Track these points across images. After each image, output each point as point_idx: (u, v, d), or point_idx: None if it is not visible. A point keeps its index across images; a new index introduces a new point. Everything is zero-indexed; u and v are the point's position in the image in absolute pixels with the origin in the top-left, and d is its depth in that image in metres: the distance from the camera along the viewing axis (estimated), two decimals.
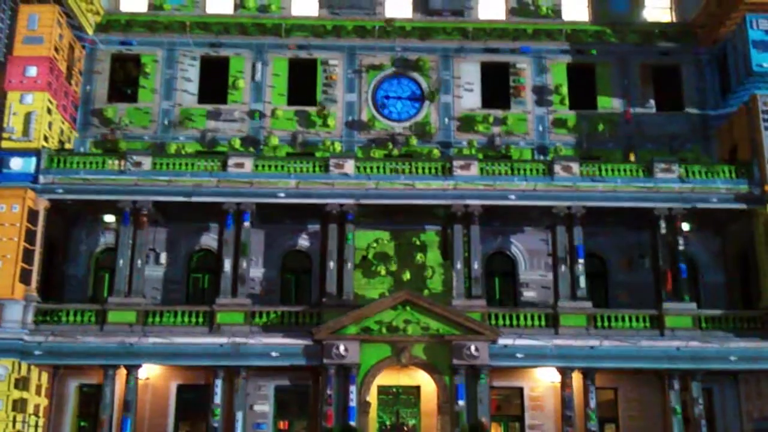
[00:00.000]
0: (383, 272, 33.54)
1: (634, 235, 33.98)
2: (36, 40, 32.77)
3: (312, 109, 35.76)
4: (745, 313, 31.79)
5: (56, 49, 33.21)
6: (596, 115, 36.05)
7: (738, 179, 32.44)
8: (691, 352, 30.70)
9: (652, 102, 36.32)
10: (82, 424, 32.38)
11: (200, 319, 31.09)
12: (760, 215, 32.03)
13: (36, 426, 30.76)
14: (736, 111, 34.13)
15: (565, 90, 36.26)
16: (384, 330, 30.37)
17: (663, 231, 32.00)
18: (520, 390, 32.63)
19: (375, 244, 33.93)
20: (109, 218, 33.59)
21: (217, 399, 30.32)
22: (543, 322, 31.25)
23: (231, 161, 32.44)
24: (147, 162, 32.28)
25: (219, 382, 30.48)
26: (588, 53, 36.50)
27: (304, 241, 34.35)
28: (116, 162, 32.30)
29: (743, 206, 32.24)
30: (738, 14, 34.11)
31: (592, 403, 30.50)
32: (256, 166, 32.45)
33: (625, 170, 32.68)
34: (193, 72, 36.21)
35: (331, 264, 31.61)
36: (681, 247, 31.83)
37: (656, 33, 36.79)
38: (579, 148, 35.25)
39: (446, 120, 35.87)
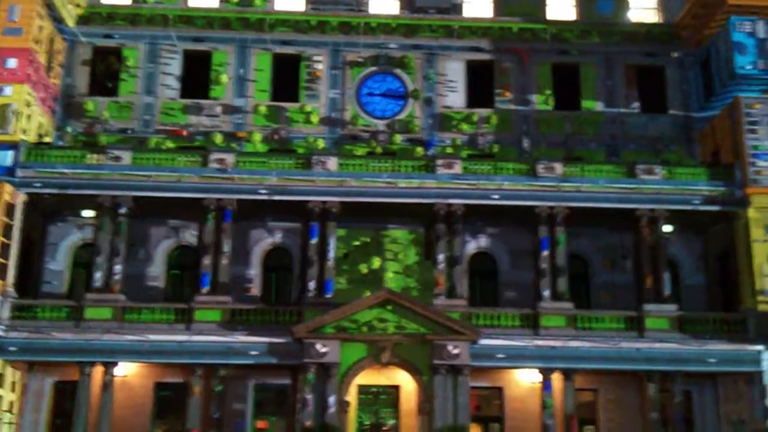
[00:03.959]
0: (364, 270, 33.33)
1: (617, 237, 34.00)
2: (16, 32, 32.35)
3: (294, 105, 35.49)
4: (724, 315, 31.86)
5: (36, 41, 32.77)
6: (580, 115, 36.00)
7: (720, 182, 32.48)
8: (669, 354, 30.72)
9: (637, 103, 36.30)
10: (58, 421, 31.93)
11: (178, 317, 30.82)
12: (741, 218, 32.05)
13: (10, 423, 30.35)
14: (719, 113, 34.15)
15: (549, 90, 36.15)
16: (364, 329, 30.15)
17: (645, 232, 32.01)
18: (500, 390, 32.54)
19: (356, 242, 33.73)
20: (88, 213, 33.18)
21: (195, 397, 30.05)
22: (524, 323, 31.20)
23: (212, 157, 32.15)
24: (127, 157, 31.95)
25: (197, 381, 30.22)
26: (572, 53, 36.42)
27: (285, 239, 34.07)
28: (95, 156, 31.95)
29: (725, 209, 32.31)
30: (722, 16, 34.14)
31: (572, 405, 30.47)
32: (237, 162, 32.19)
33: (608, 171, 32.66)
34: (176, 66, 35.87)
35: (313, 262, 31.42)
36: (662, 249, 31.85)
37: (641, 34, 36.77)
38: (562, 149, 35.17)
39: (430, 118, 35.70)
